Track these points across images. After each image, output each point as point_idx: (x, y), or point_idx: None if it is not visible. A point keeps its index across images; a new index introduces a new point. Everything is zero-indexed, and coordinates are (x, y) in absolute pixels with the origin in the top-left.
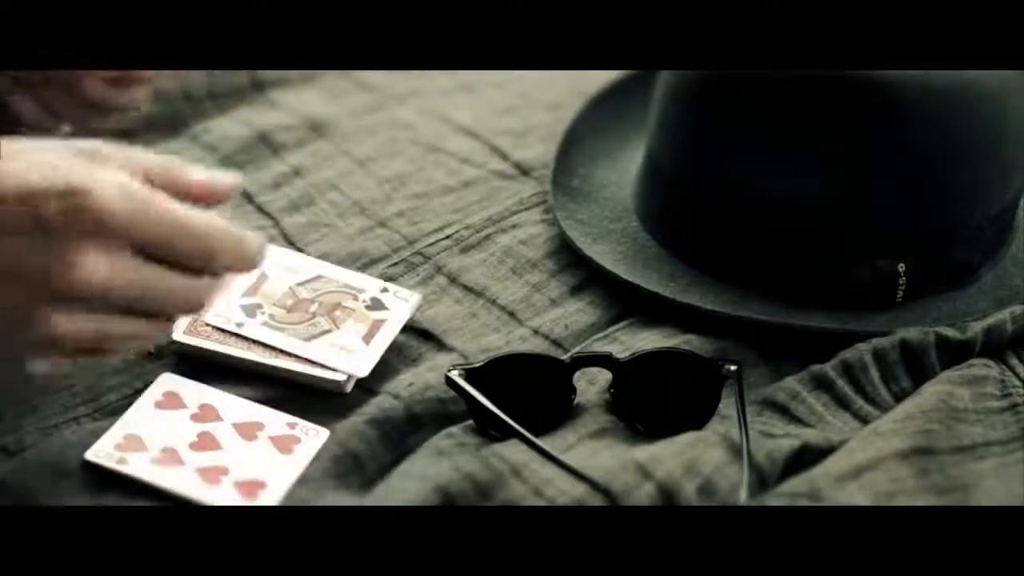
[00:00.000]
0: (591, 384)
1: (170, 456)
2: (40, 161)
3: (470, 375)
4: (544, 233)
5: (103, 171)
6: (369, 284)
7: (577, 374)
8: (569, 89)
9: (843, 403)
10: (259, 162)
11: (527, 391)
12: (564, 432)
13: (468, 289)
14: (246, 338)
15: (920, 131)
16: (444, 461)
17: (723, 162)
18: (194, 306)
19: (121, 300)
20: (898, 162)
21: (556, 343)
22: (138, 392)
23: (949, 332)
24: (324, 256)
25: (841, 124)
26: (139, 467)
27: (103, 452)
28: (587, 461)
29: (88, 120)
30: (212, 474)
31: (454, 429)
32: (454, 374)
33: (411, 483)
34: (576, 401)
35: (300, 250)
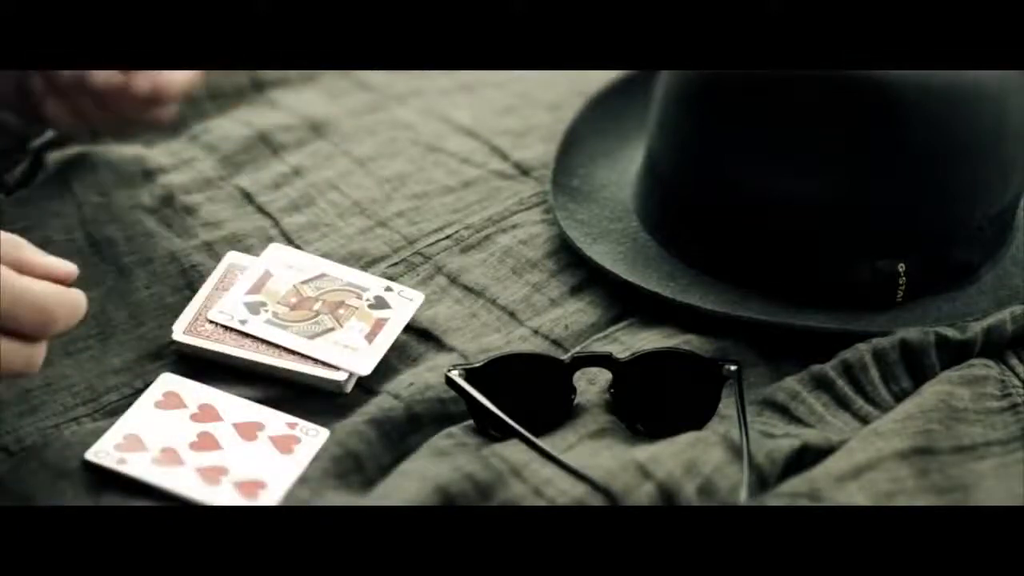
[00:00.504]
0: (591, 384)
1: (170, 456)
2: None
3: (470, 375)
4: (544, 233)
5: None
6: (373, 283)
7: (577, 374)
8: (569, 89)
9: (843, 403)
10: (259, 162)
11: (527, 391)
12: (564, 432)
13: (468, 289)
14: (248, 336)
15: (920, 131)
16: (444, 461)
17: (723, 162)
18: (30, 369)
19: None
20: (898, 162)
21: (556, 343)
22: (138, 392)
23: (949, 332)
24: (324, 256)
25: (841, 124)
26: (139, 467)
27: (103, 452)
28: (587, 461)
29: (119, 129)
30: (212, 474)
31: (454, 429)
32: (454, 374)
33: (411, 483)
34: (576, 401)
35: (300, 249)
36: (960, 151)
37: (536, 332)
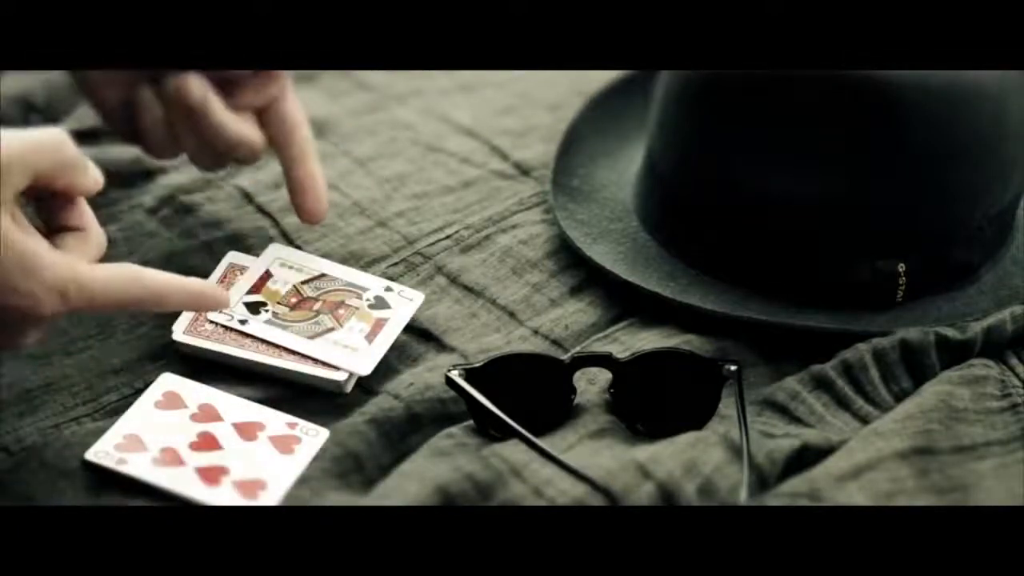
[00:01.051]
0: (591, 384)
1: (170, 456)
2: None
3: (470, 375)
4: (544, 233)
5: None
6: (373, 283)
7: (577, 374)
8: (569, 89)
9: (843, 403)
10: (259, 162)
11: (527, 391)
12: (564, 432)
13: (468, 289)
14: (248, 336)
15: (920, 131)
16: (444, 461)
17: (723, 162)
18: None
19: None
20: (898, 162)
21: (556, 343)
22: (138, 392)
23: (949, 332)
24: (324, 256)
25: (841, 124)
26: (139, 467)
27: (103, 452)
28: (587, 461)
29: (207, 161)
30: (212, 474)
31: (454, 429)
32: (454, 374)
33: (411, 483)
34: (576, 401)
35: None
36: (960, 151)
37: (536, 332)
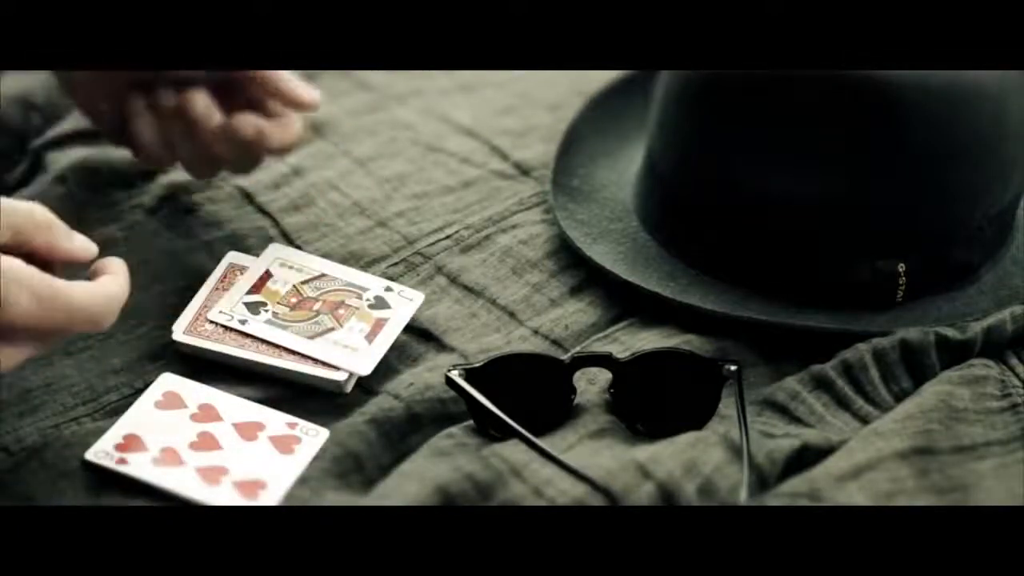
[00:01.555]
0: (591, 384)
1: (170, 456)
2: None
3: (470, 375)
4: (544, 233)
5: None
6: (373, 283)
7: (577, 374)
8: (569, 89)
9: (843, 403)
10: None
11: (527, 391)
12: (564, 432)
13: (468, 289)
14: (248, 336)
15: (920, 131)
16: (444, 461)
17: (723, 162)
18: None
19: None
20: (898, 162)
21: (556, 343)
22: (138, 392)
23: (949, 332)
24: (324, 256)
25: (841, 124)
26: (139, 467)
27: (103, 452)
28: (587, 461)
29: (203, 165)
30: (212, 474)
31: (454, 429)
32: (454, 374)
33: (411, 483)
34: (576, 401)
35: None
36: (960, 151)
37: (536, 332)
